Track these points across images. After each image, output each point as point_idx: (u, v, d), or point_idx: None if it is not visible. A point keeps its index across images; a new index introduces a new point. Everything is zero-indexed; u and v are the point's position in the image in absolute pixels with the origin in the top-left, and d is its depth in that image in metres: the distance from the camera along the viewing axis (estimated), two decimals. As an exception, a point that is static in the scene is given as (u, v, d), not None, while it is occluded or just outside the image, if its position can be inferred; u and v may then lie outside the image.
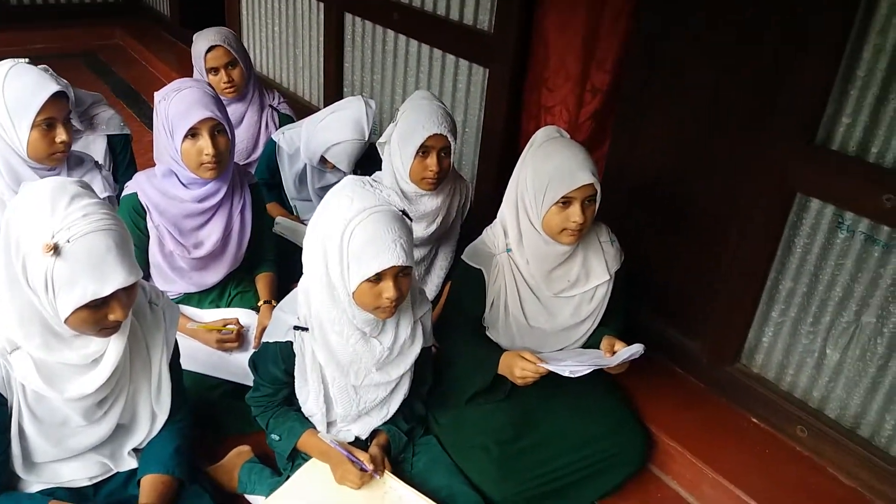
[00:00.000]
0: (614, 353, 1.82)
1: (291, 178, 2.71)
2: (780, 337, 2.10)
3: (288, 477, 1.74)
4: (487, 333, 1.98)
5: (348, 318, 1.60)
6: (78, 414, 1.46)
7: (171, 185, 2.03)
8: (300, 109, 3.51)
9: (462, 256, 1.98)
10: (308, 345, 1.65)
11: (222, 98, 2.73)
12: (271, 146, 2.72)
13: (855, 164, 1.82)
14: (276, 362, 1.69)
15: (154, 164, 2.08)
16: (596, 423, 1.92)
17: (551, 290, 1.92)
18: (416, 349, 1.73)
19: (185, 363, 1.75)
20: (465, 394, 1.92)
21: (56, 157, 2.01)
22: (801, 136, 1.87)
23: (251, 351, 2.04)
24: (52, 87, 1.94)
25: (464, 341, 1.94)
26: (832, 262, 1.93)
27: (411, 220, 1.61)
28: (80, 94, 2.50)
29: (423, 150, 2.10)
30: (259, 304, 2.19)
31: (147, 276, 2.11)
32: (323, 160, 2.59)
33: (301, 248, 1.63)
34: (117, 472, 1.61)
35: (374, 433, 1.80)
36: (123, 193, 2.07)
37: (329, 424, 1.75)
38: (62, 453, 1.51)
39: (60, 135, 1.98)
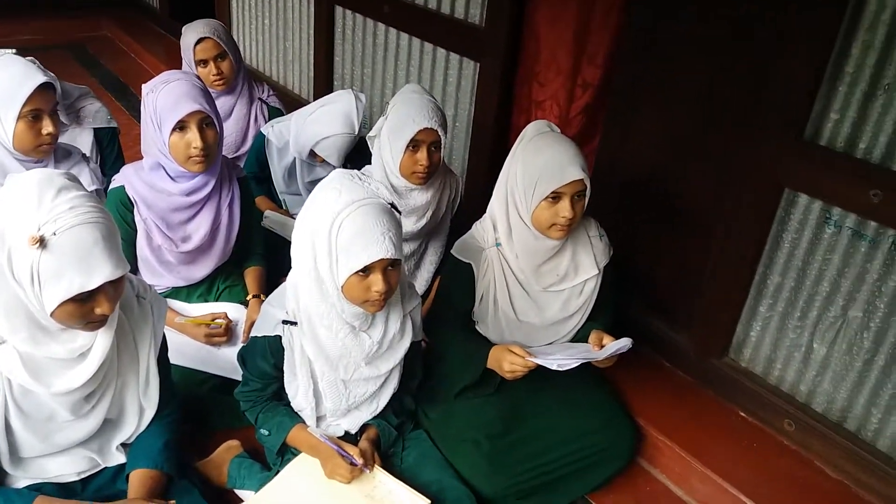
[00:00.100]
0: (602, 346, 1.82)
1: (281, 171, 2.70)
2: (767, 331, 2.11)
3: (277, 472, 1.73)
4: (477, 328, 1.98)
5: (337, 312, 1.59)
6: (65, 408, 1.44)
7: (158, 178, 2.02)
8: (290, 103, 3.49)
9: (451, 251, 1.98)
10: (297, 339, 1.64)
11: (211, 90, 2.71)
12: (260, 140, 2.70)
13: (843, 159, 1.83)
14: (265, 357, 1.68)
15: (142, 157, 2.06)
16: (585, 417, 1.93)
17: (540, 284, 1.92)
18: (405, 343, 1.73)
19: (174, 358, 1.74)
20: (455, 388, 1.92)
21: (42, 149, 1.99)
22: (789, 132, 1.88)
23: (240, 345, 2.02)
24: (38, 78, 1.92)
25: (453, 336, 1.94)
26: (819, 258, 1.94)
27: (400, 213, 1.60)
28: (67, 87, 2.48)
29: (414, 145, 2.09)
30: (248, 298, 2.17)
31: (135, 270, 2.09)
32: (312, 154, 2.58)
33: (290, 242, 1.61)
34: (105, 467, 1.60)
35: (364, 428, 1.79)
36: (110, 186, 2.05)
37: (319, 419, 1.74)
38: (49, 448, 1.50)
39: (47, 127, 1.96)
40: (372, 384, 1.73)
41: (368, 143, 2.26)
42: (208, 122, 1.96)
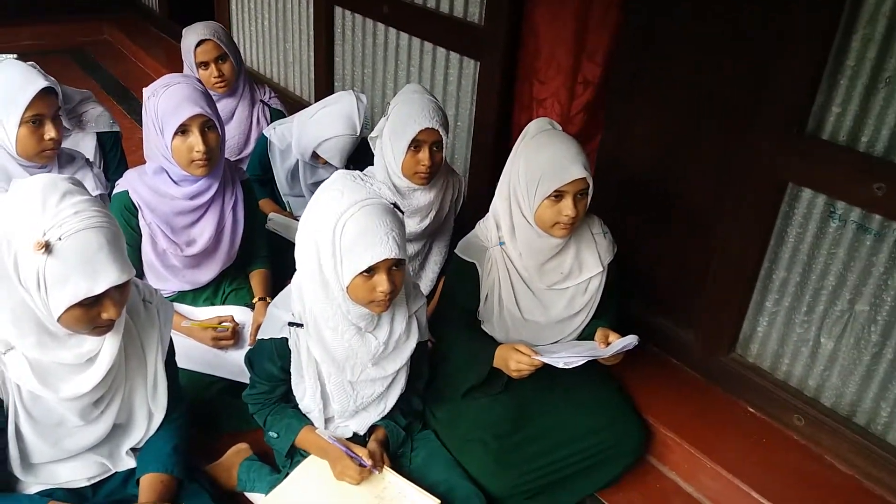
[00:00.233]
0: (608, 344, 1.81)
1: (283, 173, 2.70)
2: (774, 326, 2.10)
3: (287, 474, 1.73)
4: (483, 327, 1.97)
5: (342, 313, 1.59)
6: (74, 414, 1.44)
7: (162, 182, 2.02)
8: (290, 104, 3.49)
9: (455, 251, 1.97)
10: (303, 341, 1.64)
11: (212, 93, 2.71)
12: (263, 142, 2.70)
13: (845, 153, 1.82)
14: (272, 359, 1.68)
15: (145, 162, 2.06)
16: (593, 414, 1.92)
17: (545, 282, 1.92)
18: (411, 344, 1.72)
19: (181, 362, 1.74)
20: (462, 388, 1.92)
21: (45, 154, 1.99)
22: (791, 127, 1.87)
23: (247, 348, 2.02)
24: (39, 82, 1.92)
25: (458, 335, 1.93)
26: (825, 252, 1.94)
27: (403, 212, 1.60)
28: (69, 92, 2.48)
29: (416, 145, 2.08)
30: (254, 301, 2.17)
31: (140, 275, 2.09)
32: (315, 155, 2.58)
33: (294, 244, 1.61)
34: (116, 472, 1.60)
35: (372, 429, 1.79)
36: (114, 191, 2.05)
37: (327, 421, 1.74)
38: (60, 454, 1.50)
39: (49, 132, 1.96)
40: (379, 385, 1.73)
41: (370, 143, 2.26)
42: (210, 126, 1.96)
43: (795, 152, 1.89)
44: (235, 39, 3.79)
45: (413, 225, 2.23)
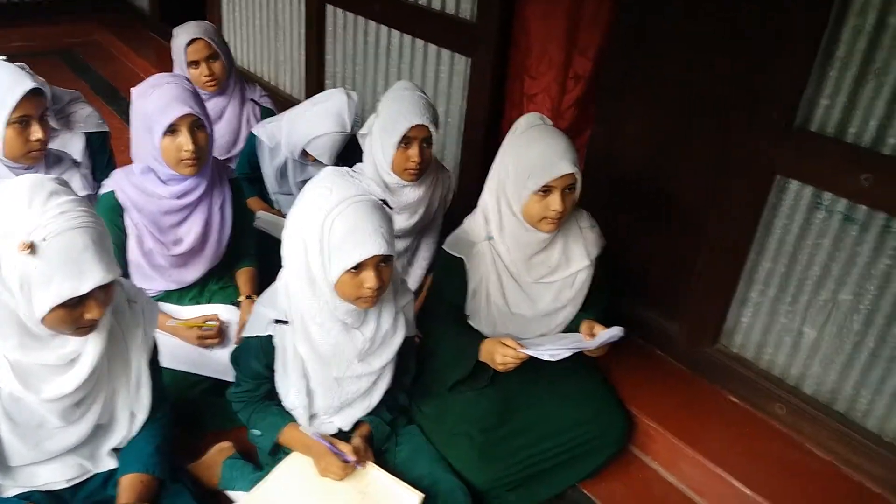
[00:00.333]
0: (594, 336, 1.84)
1: (272, 171, 2.71)
2: (758, 317, 2.13)
3: (270, 472, 1.74)
4: (470, 322, 1.99)
5: (330, 310, 1.60)
6: (55, 415, 1.43)
7: (149, 182, 2.02)
8: (281, 103, 3.50)
9: (443, 246, 1.99)
10: (289, 338, 1.65)
11: (203, 92, 2.72)
12: (252, 140, 2.71)
13: (833, 144, 1.85)
14: (258, 357, 1.69)
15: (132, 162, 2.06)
16: (578, 406, 1.95)
17: (532, 276, 1.93)
18: (398, 339, 1.74)
19: (166, 361, 1.75)
20: (448, 382, 1.93)
21: (32, 155, 2.00)
22: (780, 119, 1.90)
23: (232, 347, 2.03)
24: (27, 83, 1.93)
25: (446, 330, 1.95)
26: (810, 242, 1.97)
27: (391, 209, 1.61)
28: (58, 92, 2.48)
29: (405, 141, 2.10)
30: (240, 299, 2.18)
31: (126, 275, 2.09)
32: (304, 153, 2.59)
33: (282, 242, 1.62)
34: (96, 473, 1.59)
35: (358, 424, 1.80)
36: (101, 191, 2.06)
37: (311, 417, 1.75)
38: (40, 455, 1.49)
39: (36, 132, 1.96)
40: (365, 381, 1.74)
41: (360, 140, 2.27)
42: (199, 125, 1.97)
43: (784, 145, 1.92)
44: (226, 38, 3.81)
45: (402, 221, 2.25)
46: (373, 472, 1.71)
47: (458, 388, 1.94)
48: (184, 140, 1.93)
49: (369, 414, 1.80)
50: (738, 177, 2.03)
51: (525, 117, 1.90)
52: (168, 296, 2.18)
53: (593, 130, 2.49)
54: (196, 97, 1.99)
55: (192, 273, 2.17)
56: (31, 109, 1.95)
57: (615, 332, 1.82)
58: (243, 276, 2.24)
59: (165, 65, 3.21)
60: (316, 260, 1.54)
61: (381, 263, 1.54)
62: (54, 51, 5.35)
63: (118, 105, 4.41)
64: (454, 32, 2.87)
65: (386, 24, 3.22)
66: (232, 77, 2.88)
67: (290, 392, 1.72)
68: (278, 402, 1.77)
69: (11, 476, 1.49)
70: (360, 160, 2.28)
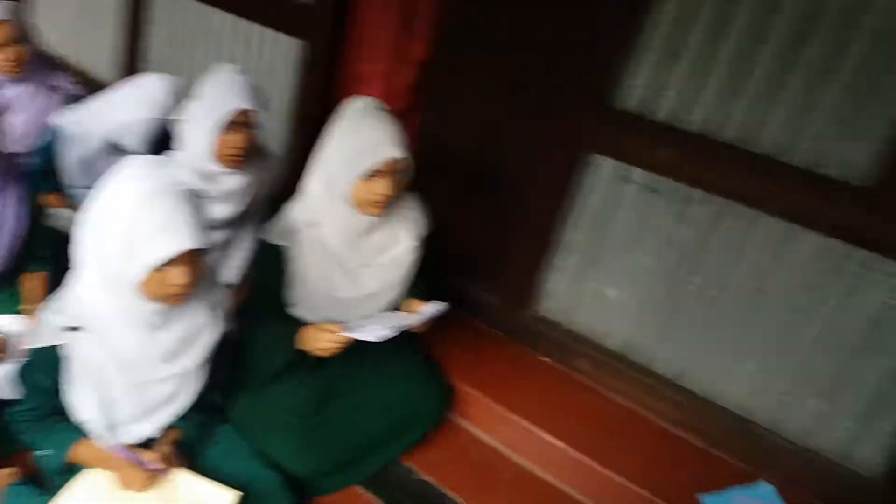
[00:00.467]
0: (418, 313, 1.89)
1: (77, 163, 2.50)
2: (568, 283, 2.32)
3: (59, 493, 1.58)
4: (293, 311, 1.96)
5: (131, 311, 1.50)
6: None
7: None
8: (93, 90, 3.28)
9: (264, 234, 1.95)
10: (82, 346, 1.52)
11: (5, 77, 2.50)
12: (52, 130, 2.51)
13: (639, 121, 2.03)
14: (45, 370, 1.54)
15: None
16: (399, 383, 2.01)
17: (358, 259, 1.94)
18: (212, 336, 1.66)
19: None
20: (266, 375, 1.90)
21: None
22: (593, 99, 2.06)
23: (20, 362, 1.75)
24: None
25: (263, 322, 1.91)
26: (617, 214, 2.16)
27: (203, 199, 1.55)
28: None
29: (227, 126, 2.02)
30: (26, 307, 1.97)
31: None
32: (113, 142, 2.42)
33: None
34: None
35: (168, 430, 1.69)
36: None
37: (110, 428, 1.61)
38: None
39: None
40: (172, 384, 1.63)
41: (175, 127, 2.16)
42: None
43: (595, 122, 2.08)
44: (33, 19, 3.49)
45: (224, 211, 2.18)
46: (182, 477, 1.63)
47: (278, 379, 1.91)
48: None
49: (180, 418, 1.69)
50: (555, 153, 2.18)
51: (351, 101, 1.89)
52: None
53: (424, 113, 2.54)
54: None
55: (-26, 281, 1.92)
56: None
57: (437, 307, 1.88)
58: (31, 282, 2.02)
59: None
60: (116, 257, 1.43)
61: (191, 258, 1.46)
62: None
63: None
64: (285, 14, 2.80)
65: (215, 5, 3.09)
66: (37, 62, 2.66)
67: (83, 404, 1.58)
68: (68, 417, 1.62)
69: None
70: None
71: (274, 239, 1.92)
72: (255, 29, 2.98)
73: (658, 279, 2.15)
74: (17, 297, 2.04)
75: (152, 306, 1.51)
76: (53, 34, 4.10)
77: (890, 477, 1.93)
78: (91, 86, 3.54)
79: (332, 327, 1.82)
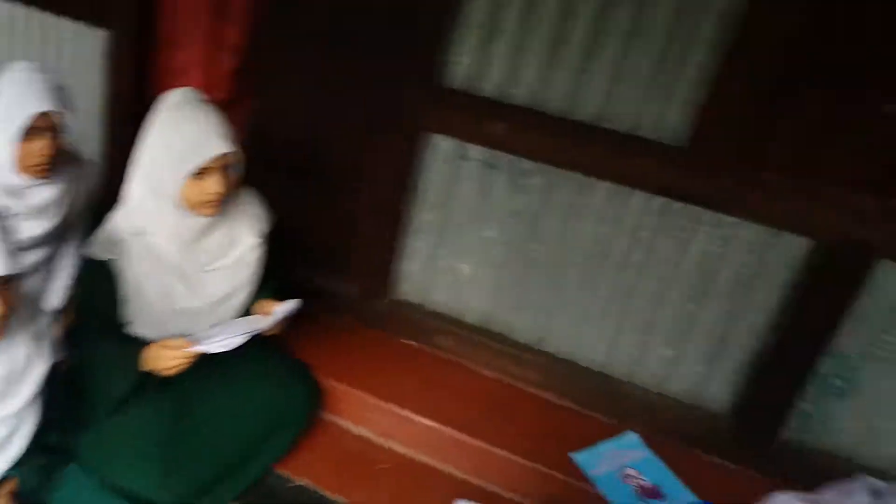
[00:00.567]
0: (269, 314, 1.83)
1: None
2: (422, 263, 2.32)
3: None
4: (132, 330, 1.83)
5: None
6: None
7: None
8: None
9: (86, 250, 1.80)
10: None
11: None
12: None
13: (471, 99, 2.04)
14: None
15: None
16: (260, 389, 1.93)
17: (197, 265, 1.84)
18: (39, 371, 1.54)
19: None
20: (110, 404, 1.76)
21: None
22: (425, 79, 2.05)
23: None
24: None
25: (99, 347, 1.77)
26: (460, 191, 2.18)
27: (10, 217, 1.41)
28: None
29: (29, 132, 1.82)
30: None
31: None
32: None
33: None
34: None
35: (2, 481, 1.55)
36: None
37: None
38: None
39: None
40: (2, 428, 1.50)
41: None
42: None
43: (429, 102, 2.07)
44: None
45: (37, 228, 1.96)
46: None
47: (123, 408, 1.77)
48: None
49: (15, 466, 1.55)
50: (390, 135, 2.15)
51: (169, 95, 1.77)
52: None
53: (252, 101, 2.43)
54: None
55: None
56: None
57: (291, 305, 1.83)
58: None
59: None
60: None
61: (2, 285, 1.31)
62: None
63: None
64: (88, 3, 2.54)
65: (3, -2, 2.73)
66: None
67: None
68: None
69: None
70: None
71: (98, 253, 1.78)
72: (51, 21, 2.68)
73: (506, 251, 2.21)
74: None
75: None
76: None
77: (736, 409, 2.12)
78: None
79: (177, 343, 1.71)
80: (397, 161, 2.19)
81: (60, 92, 1.90)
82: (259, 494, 1.91)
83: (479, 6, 1.97)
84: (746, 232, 1.93)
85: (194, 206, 1.74)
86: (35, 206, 1.96)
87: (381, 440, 2.14)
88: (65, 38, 2.68)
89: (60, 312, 2.01)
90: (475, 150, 2.12)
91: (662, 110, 1.91)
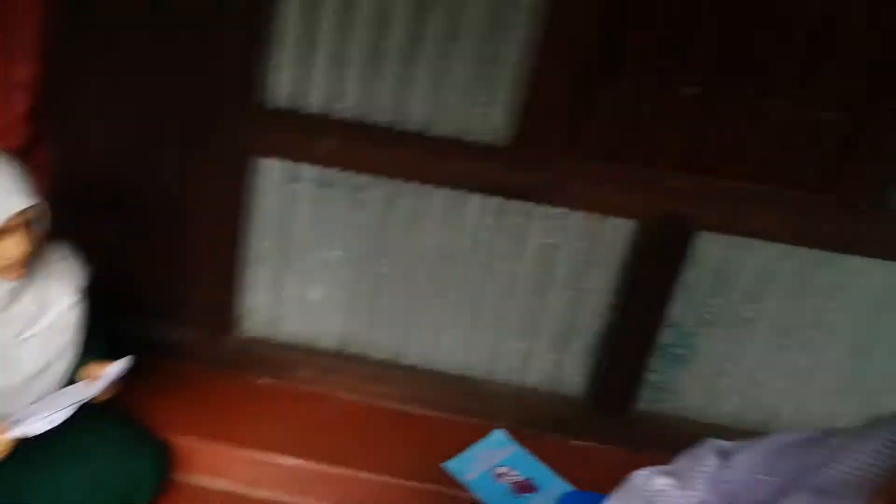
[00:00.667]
0: (99, 378, 1.67)
1: None
2: (266, 295, 2.21)
3: None
4: None
5: None
6: None
7: None
8: None
9: None
10: None
11: None
12: None
13: (295, 117, 1.96)
14: None
15: None
16: (99, 464, 1.75)
17: (7, 337, 1.63)
18: None
19: None
20: None
21: None
22: (241, 100, 1.94)
23: None
24: None
25: None
26: (297, 213, 2.09)
27: None
28: None
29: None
30: None
31: None
32: None
33: None
34: None
35: None
36: None
37: None
38: None
39: None
40: None
41: None
42: None
43: (251, 125, 1.96)
44: None
45: None
46: None
47: None
48: None
49: None
50: (212, 164, 2.03)
51: None
52: None
53: (53, 144, 2.19)
54: None
55: None
56: None
57: (122, 364, 1.66)
58: None
59: None
60: None
61: None
62: None
63: None
64: None
65: None
66: None
67: None
68: None
69: None
70: None
71: None
72: None
73: (354, 269, 2.16)
74: None
75: None
76: None
77: (591, 390, 2.21)
78: None
79: (-13, 431, 1.50)
80: (224, 190, 2.06)
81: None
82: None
83: (290, 20, 1.90)
84: (575, 220, 2.01)
85: None
86: None
87: (245, 490, 2.02)
88: None
89: None
90: (307, 170, 2.05)
91: (486, 112, 1.93)
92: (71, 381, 1.75)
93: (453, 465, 2.08)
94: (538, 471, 2.12)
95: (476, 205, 2.03)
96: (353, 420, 2.14)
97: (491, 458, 2.13)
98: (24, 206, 1.51)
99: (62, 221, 1.77)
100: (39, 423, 1.52)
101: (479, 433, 2.16)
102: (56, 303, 1.72)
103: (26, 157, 1.74)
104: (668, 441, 1.83)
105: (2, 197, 1.49)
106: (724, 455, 1.15)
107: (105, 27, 2.03)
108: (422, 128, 1.97)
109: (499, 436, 2.19)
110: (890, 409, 0.99)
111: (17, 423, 1.53)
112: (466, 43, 1.87)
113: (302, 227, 2.13)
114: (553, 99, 1.86)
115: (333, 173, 2.04)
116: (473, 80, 1.90)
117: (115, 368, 1.66)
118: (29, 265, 1.59)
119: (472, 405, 2.21)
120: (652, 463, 1.21)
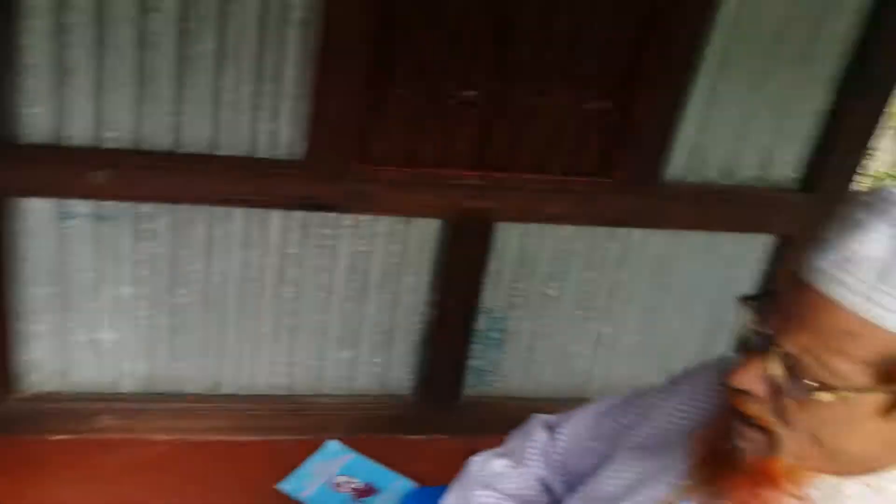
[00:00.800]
0: None
1: None
2: (50, 345, 1.99)
3: None
4: None
5: None
6: None
7: None
8: None
9: None
10: None
11: None
12: None
13: (57, 151, 1.76)
14: None
15: None
16: None
17: None
18: None
19: None
20: None
21: None
22: None
23: None
24: None
25: None
26: (74, 253, 1.89)
27: None
28: None
29: None
30: None
31: None
32: None
33: None
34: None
35: None
36: None
37: None
38: None
39: None
40: None
41: None
42: None
43: (6, 164, 1.74)
44: None
45: None
46: None
47: None
48: None
49: None
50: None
51: None
52: None
53: None
54: None
55: None
56: None
57: None
58: None
59: None
60: None
61: None
62: None
63: None
64: None
65: None
66: None
67: None
68: None
69: None
70: None
71: None
72: None
73: (149, 304, 2.00)
74: None
75: None
76: None
77: (419, 386, 2.24)
78: None
79: None
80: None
81: None
82: None
83: (38, 48, 1.68)
84: (382, 226, 2.01)
85: None
86: None
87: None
88: None
89: None
90: (80, 206, 1.85)
91: (273, 128, 1.86)
92: None
93: (288, 486, 2.01)
94: (377, 474, 2.11)
95: (279, 221, 1.95)
96: (171, 461, 1.99)
97: (327, 469, 2.09)
98: None
99: None
100: None
101: (313, 448, 2.11)
102: None
103: None
104: (498, 422, 1.89)
105: None
106: (551, 428, 1.18)
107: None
108: (207, 149, 1.84)
109: (333, 446, 2.15)
110: (685, 363, 1.07)
111: None
112: (241, 60, 1.77)
113: (83, 266, 1.92)
114: (338, 110, 1.82)
115: (112, 206, 1.86)
116: (254, 96, 1.81)
117: None
118: None
119: (301, 423, 2.14)
120: (488, 446, 1.22)
